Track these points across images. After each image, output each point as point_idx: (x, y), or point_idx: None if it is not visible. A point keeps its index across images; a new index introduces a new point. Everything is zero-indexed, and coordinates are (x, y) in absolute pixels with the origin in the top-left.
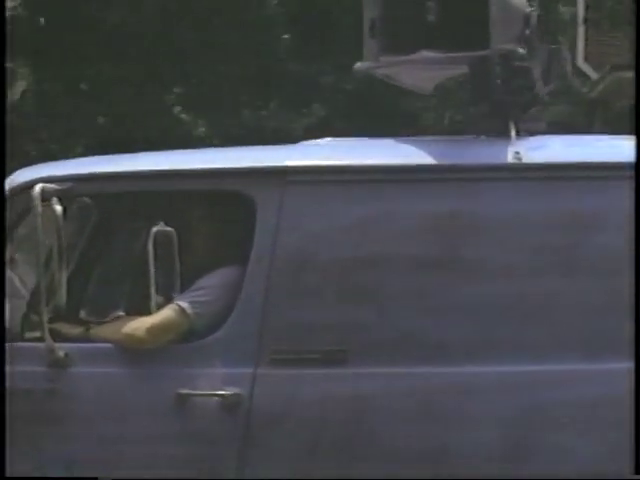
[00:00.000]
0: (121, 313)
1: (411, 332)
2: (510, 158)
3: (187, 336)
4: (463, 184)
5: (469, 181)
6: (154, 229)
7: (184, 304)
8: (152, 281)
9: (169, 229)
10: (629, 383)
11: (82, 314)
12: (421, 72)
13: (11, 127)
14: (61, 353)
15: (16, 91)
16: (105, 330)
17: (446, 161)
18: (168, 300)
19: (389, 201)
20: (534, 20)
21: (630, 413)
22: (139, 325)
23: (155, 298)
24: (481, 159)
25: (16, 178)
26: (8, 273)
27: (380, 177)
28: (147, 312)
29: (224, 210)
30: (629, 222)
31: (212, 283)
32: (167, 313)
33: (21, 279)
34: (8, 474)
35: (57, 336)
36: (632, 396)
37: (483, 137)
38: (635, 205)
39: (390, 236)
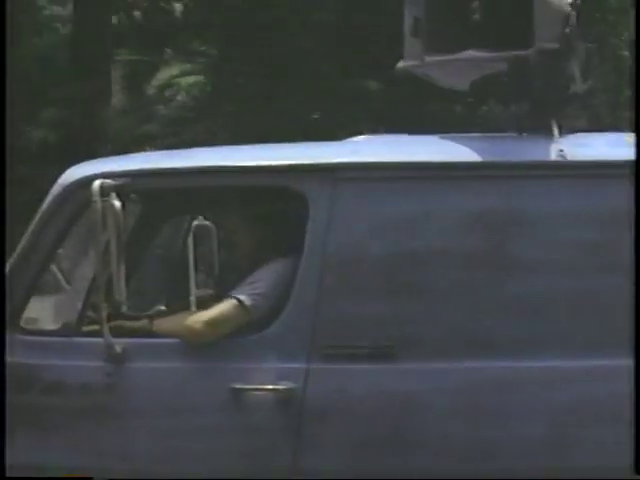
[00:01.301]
0: (162, 307)
1: (458, 328)
2: (554, 155)
3: (244, 329)
4: (509, 181)
5: (515, 178)
6: (194, 223)
7: (242, 297)
8: (191, 275)
9: (208, 223)
10: None
11: (123, 308)
12: (459, 70)
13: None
14: (118, 348)
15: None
16: (164, 324)
17: (492, 158)
18: (218, 294)
19: (436, 197)
20: (573, 19)
21: (630, 413)
22: (198, 318)
23: (194, 292)
24: (526, 156)
25: (72, 173)
26: (52, 268)
27: (428, 174)
28: (187, 306)
29: (275, 205)
30: None
31: (267, 275)
32: (225, 306)
33: (64, 274)
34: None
35: (115, 331)
36: (632, 396)
37: (525, 134)
38: (635, 204)
39: (437, 232)
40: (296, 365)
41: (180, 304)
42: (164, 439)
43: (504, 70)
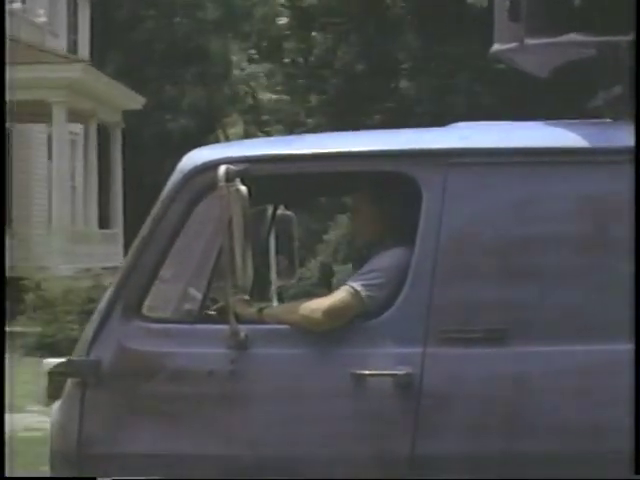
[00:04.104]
0: (245, 296)
1: (569, 311)
2: None
3: (358, 318)
4: (613, 166)
5: (619, 163)
6: (277, 212)
7: (358, 287)
8: (272, 264)
9: (289, 213)
10: None
11: (249, 294)
12: (544, 56)
13: None
14: (242, 335)
15: None
16: (280, 311)
17: (597, 144)
18: (298, 283)
19: (545, 182)
20: None
21: (630, 413)
22: (316, 307)
23: (275, 281)
24: (629, 142)
25: (192, 159)
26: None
27: (536, 159)
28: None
29: (388, 191)
30: None
31: (384, 265)
32: (342, 295)
33: (179, 260)
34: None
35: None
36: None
37: (622, 121)
38: (635, 200)
39: (547, 216)
40: (413, 350)
41: (262, 294)
42: (287, 425)
43: (592, 56)
